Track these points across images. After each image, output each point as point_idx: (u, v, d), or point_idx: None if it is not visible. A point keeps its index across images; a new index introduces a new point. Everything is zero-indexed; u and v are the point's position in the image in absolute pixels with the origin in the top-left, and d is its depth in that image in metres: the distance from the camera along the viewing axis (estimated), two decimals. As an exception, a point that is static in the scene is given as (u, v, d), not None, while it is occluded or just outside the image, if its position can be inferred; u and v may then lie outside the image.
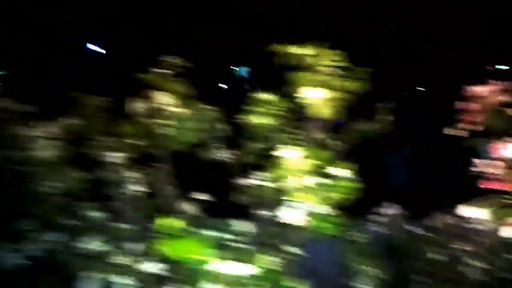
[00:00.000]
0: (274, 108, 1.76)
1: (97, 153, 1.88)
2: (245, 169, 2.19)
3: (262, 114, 1.76)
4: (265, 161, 2.00)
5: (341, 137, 2.01)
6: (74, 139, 1.68)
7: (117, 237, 1.78)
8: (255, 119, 1.76)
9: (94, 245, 1.65)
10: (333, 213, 1.62)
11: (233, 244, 1.27)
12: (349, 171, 1.60)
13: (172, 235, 1.12)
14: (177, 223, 1.13)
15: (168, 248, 1.10)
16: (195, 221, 1.50)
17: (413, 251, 2.17)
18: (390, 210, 2.26)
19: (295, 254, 1.70)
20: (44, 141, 1.45)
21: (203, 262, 1.09)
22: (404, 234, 2.22)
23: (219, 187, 2.21)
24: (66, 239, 1.68)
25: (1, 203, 1.60)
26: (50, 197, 1.62)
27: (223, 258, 1.14)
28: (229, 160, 2.18)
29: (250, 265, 1.24)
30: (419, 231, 2.24)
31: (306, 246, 1.77)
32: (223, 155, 2.18)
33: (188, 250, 1.09)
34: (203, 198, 2.10)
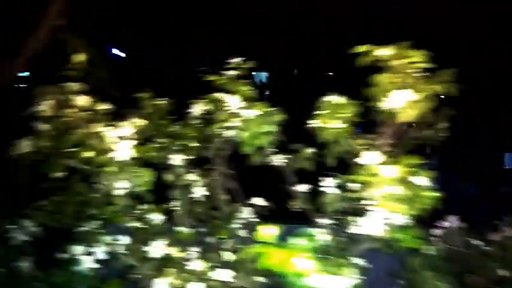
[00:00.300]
0: (345, 112, 1.69)
1: (160, 155, 1.84)
2: (308, 175, 2.13)
3: (332, 118, 1.69)
4: (335, 167, 1.94)
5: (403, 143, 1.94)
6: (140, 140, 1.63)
7: (182, 242, 1.73)
8: (324, 123, 1.69)
9: (160, 248, 1.60)
10: (410, 225, 1.54)
11: (320, 254, 1.20)
12: (427, 179, 1.52)
13: (266, 243, 1.05)
14: (274, 230, 1.07)
15: (265, 258, 1.03)
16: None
17: (474, 265, 2.08)
18: (450, 222, 2.17)
19: (362, 266, 1.62)
20: (119, 141, 1.40)
21: (301, 275, 1.01)
22: (466, 248, 2.13)
23: (276, 193, 2.15)
24: (132, 242, 1.63)
25: (71, 204, 1.57)
26: (117, 198, 1.58)
27: (319, 270, 1.07)
28: (289, 165, 2.12)
29: (344, 278, 1.17)
30: (481, 244, 2.14)
31: (368, 257, 1.70)
32: (282, 160, 2.13)
33: (285, 260, 1.02)
34: (263, 203, 2.05)
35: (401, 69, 1.47)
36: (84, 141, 1.37)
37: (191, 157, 1.97)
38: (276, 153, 2.15)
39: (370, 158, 1.43)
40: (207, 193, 1.96)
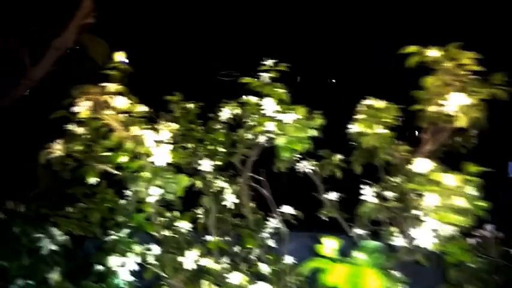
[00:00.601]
0: (385, 116, 1.61)
1: (188, 160, 1.76)
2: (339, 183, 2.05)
3: (372, 122, 1.61)
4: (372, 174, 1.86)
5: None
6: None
7: (212, 251, 1.65)
8: (365, 129, 1.61)
9: (193, 259, 1.51)
10: (458, 236, 1.45)
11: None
12: (474, 188, 1.43)
13: (330, 258, 0.96)
14: (335, 243, 0.98)
15: (326, 274, 0.94)
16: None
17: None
18: (485, 232, 2.08)
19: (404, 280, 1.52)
20: (157, 146, 1.32)
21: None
22: (503, 258, 2.04)
23: (305, 200, 2.07)
24: (162, 252, 1.54)
25: (99, 211, 1.49)
26: (147, 205, 1.50)
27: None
28: (318, 172, 2.04)
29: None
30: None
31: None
32: (311, 166, 2.05)
33: (352, 277, 0.93)
34: (293, 212, 1.97)
35: (452, 72, 1.40)
36: (121, 145, 1.29)
37: (220, 163, 1.89)
38: (304, 159, 2.08)
39: (421, 166, 1.34)
40: (237, 200, 1.88)
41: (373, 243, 1.03)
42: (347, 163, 2.09)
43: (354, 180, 2.11)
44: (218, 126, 1.95)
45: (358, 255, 0.98)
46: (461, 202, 1.25)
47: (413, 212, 1.37)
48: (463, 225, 1.38)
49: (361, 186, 1.73)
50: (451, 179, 1.25)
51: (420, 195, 1.37)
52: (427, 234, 1.34)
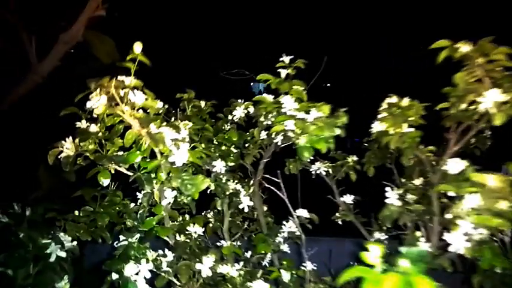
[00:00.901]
0: (411, 114, 1.54)
1: (202, 160, 1.67)
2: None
3: (397, 121, 1.53)
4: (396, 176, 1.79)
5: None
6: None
7: (227, 257, 1.56)
8: (389, 128, 1.53)
9: (206, 265, 1.42)
10: (489, 239, 1.38)
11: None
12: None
13: (371, 266, 0.88)
14: (378, 250, 0.90)
15: (369, 284, 0.85)
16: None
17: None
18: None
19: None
20: (175, 144, 1.23)
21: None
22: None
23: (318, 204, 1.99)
24: (175, 258, 1.45)
25: (107, 215, 1.39)
26: (160, 208, 1.40)
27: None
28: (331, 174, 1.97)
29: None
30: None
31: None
32: (325, 168, 1.98)
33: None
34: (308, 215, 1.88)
35: (483, 67, 1.32)
36: (137, 144, 1.20)
37: (232, 164, 1.80)
38: (317, 161, 2.01)
39: (456, 166, 1.26)
40: (251, 203, 1.79)
41: (417, 250, 0.95)
42: (360, 165, 2.03)
43: (365, 182, 2.04)
44: (230, 125, 1.87)
45: (403, 263, 0.89)
46: (504, 204, 1.17)
47: (445, 215, 1.30)
48: (503, 228, 1.31)
49: (374, 188, 1.65)
50: (493, 180, 1.17)
51: (451, 198, 1.30)
52: (459, 238, 1.26)
